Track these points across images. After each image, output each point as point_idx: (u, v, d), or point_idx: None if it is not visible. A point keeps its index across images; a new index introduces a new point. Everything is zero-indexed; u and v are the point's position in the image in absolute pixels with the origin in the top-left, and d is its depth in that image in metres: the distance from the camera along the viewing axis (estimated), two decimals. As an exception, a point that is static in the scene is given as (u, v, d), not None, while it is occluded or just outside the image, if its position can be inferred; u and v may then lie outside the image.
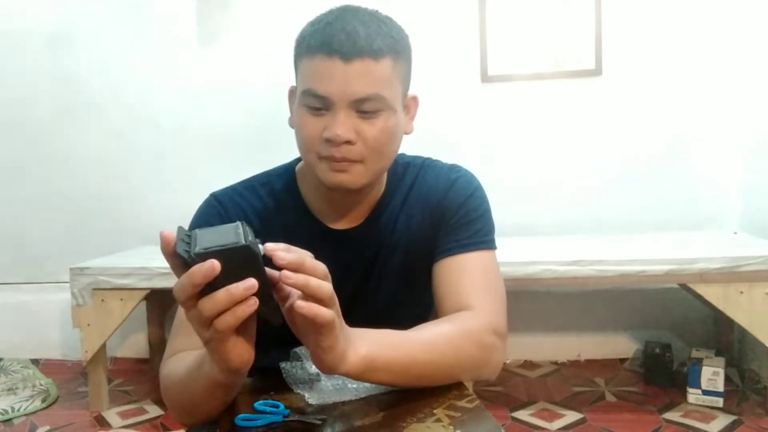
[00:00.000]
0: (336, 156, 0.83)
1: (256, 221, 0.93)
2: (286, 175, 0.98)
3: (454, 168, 1.00)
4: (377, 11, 0.86)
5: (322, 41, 0.80)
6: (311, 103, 0.82)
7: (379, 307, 0.95)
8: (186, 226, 0.95)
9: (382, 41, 0.81)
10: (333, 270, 0.94)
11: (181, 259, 0.60)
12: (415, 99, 0.92)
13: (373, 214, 0.96)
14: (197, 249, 0.59)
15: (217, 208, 0.94)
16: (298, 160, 0.98)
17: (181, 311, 0.92)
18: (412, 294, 0.99)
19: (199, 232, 0.61)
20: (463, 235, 0.93)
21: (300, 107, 0.85)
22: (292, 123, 0.90)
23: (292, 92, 0.90)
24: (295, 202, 0.95)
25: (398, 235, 0.96)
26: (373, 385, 0.81)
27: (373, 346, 0.73)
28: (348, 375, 0.72)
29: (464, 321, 0.85)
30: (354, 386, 0.81)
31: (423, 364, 0.79)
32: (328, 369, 0.70)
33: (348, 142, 0.82)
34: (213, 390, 0.74)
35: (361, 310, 0.89)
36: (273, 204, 0.95)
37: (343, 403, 0.79)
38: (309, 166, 0.88)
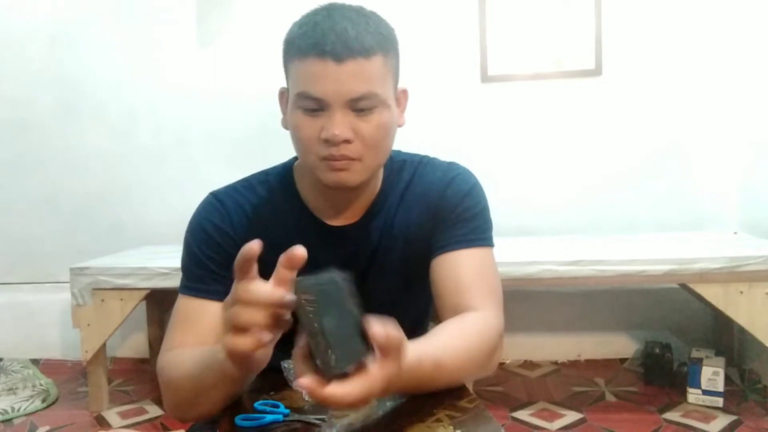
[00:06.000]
0: (335, 155, 0.83)
1: (255, 219, 0.94)
2: (283, 174, 0.98)
3: (452, 166, 1.00)
4: (362, 7, 0.86)
5: (312, 43, 0.80)
6: (306, 105, 0.83)
7: (379, 303, 0.95)
8: (184, 225, 0.96)
9: (372, 39, 0.81)
10: (336, 267, 0.94)
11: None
12: (404, 92, 0.93)
13: (371, 211, 0.96)
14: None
15: (216, 206, 0.94)
16: (296, 158, 0.98)
17: (178, 306, 0.92)
18: (411, 290, 0.99)
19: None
20: (461, 231, 0.94)
21: (295, 109, 0.85)
22: (285, 124, 0.90)
23: (282, 94, 0.91)
24: (293, 200, 0.96)
25: (396, 232, 0.96)
26: None
27: (406, 382, 0.70)
28: None
29: (479, 328, 0.84)
30: None
31: (443, 383, 0.79)
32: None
33: (346, 141, 0.83)
34: (225, 383, 0.74)
35: (367, 303, 0.88)
36: (271, 202, 0.96)
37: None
38: (308, 166, 0.89)
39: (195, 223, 0.95)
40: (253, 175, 0.99)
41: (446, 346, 0.79)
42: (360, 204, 0.96)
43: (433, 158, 1.02)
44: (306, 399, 0.81)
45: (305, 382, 0.59)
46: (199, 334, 0.87)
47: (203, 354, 0.77)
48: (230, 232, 0.93)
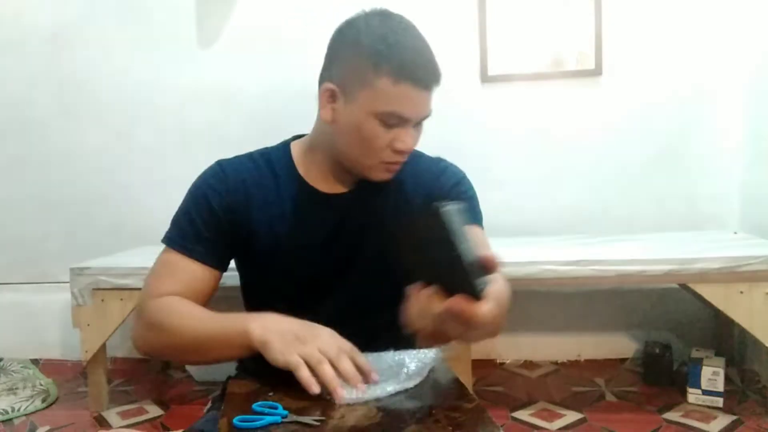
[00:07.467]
0: (400, 161, 0.96)
1: (251, 185, 1.03)
2: (282, 149, 1.08)
3: (441, 159, 1.11)
4: (411, 22, 0.95)
5: (409, 70, 0.89)
6: (391, 120, 0.91)
7: (374, 270, 1.03)
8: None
9: (438, 63, 0.93)
10: (326, 231, 1.03)
11: None
12: None
13: (363, 181, 1.02)
14: None
15: (217, 170, 1.04)
16: (294, 138, 1.10)
17: (163, 256, 1.01)
18: None
19: None
20: None
21: (372, 119, 0.91)
22: (330, 119, 0.95)
23: (331, 92, 0.94)
24: (288, 169, 1.05)
25: (388, 203, 1.03)
26: (400, 383, 0.84)
27: None
28: None
29: (502, 283, 0.85)
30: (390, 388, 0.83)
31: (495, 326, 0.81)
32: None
33: None
34: (232, 350, 0.88)
35: (356, 271, 1.02)
36: (268, 170, 1.04)
37: (341, 404, 0.79)
38: (360, 165, 0.97)
39: (197, 183, 1.04)
40: (255, 150, 1.09)
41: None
42: (354, 176, 1.03)
43: (421, 152, 1.09)
44: (338, 404, 0.79)
45: (457, 302, 0.64)
46: (186, 287, 0.98)
47: (222, 319, 0.89)
48: (224, 195, 1.01)
